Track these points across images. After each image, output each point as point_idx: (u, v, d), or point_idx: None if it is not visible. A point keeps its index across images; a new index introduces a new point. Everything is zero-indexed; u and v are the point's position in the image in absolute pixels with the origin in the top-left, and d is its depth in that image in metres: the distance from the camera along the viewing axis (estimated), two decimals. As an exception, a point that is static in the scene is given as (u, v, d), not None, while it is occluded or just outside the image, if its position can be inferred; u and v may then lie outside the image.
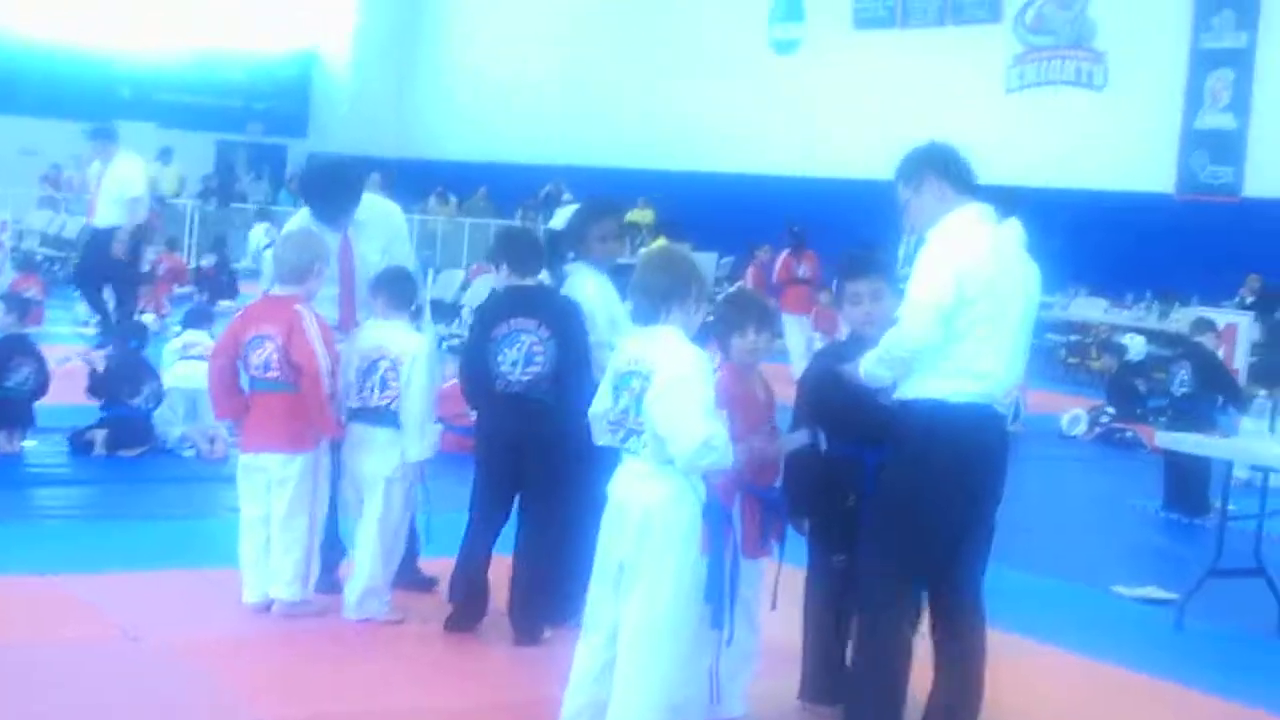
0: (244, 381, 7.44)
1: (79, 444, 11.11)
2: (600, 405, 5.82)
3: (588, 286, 7.41)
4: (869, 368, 5.88)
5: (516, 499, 7.27)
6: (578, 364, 7.05)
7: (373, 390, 7.31)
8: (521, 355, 7.05)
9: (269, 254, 22.60)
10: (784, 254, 19.78)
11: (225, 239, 26.36)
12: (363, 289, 7.67)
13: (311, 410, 7.25)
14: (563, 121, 33.25)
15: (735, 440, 5.66)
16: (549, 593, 7.14)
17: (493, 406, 7.22)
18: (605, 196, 8.61)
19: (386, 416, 7.28)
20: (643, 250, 8.74)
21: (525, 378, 7.06)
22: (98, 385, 11.32)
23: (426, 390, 7.30)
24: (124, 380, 11.32)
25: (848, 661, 6.21)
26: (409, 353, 7.30)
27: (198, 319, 12.45)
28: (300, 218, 7.90)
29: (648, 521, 5.54)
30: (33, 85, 34.83)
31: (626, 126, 31.71)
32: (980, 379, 5.76)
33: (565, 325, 7.10)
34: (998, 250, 5.89)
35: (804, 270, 19.37)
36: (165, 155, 32.62)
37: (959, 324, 5.70)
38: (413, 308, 7.48)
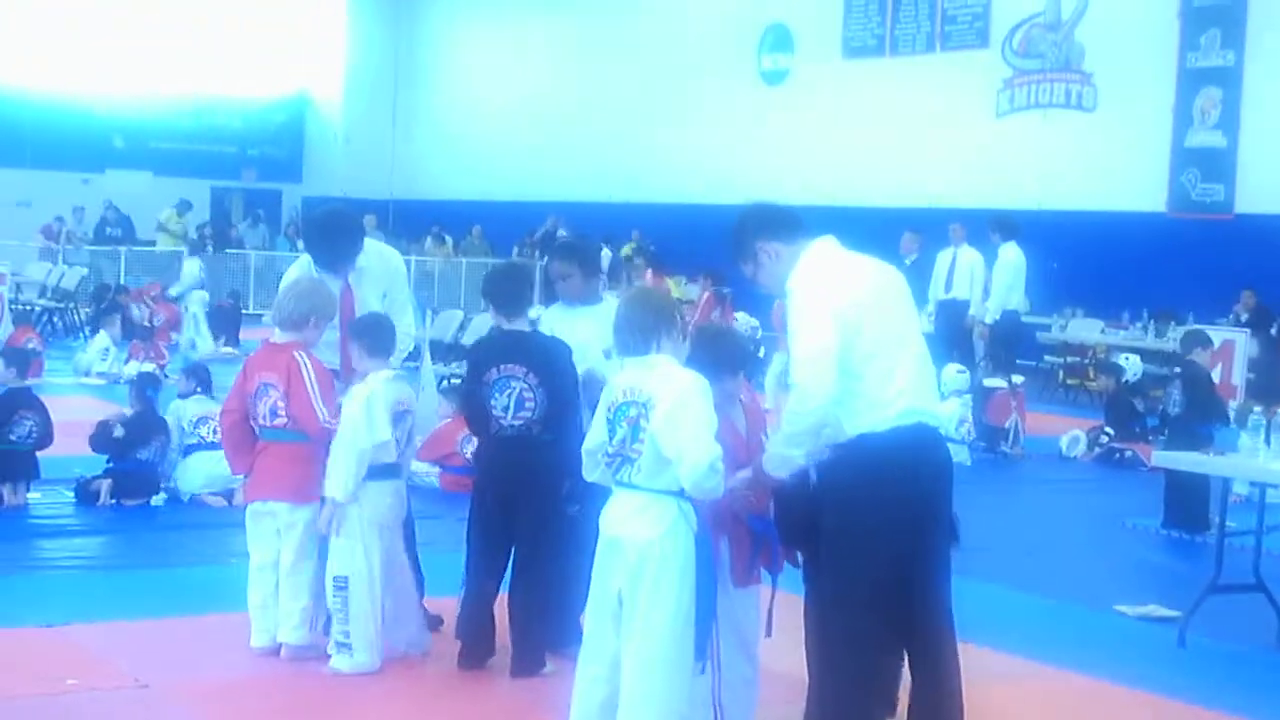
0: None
1: (84, 494, 11.15)
2: (595, 439, 5.86)
3: (555, 326, 7.62)
4: (777, 451, 5.81)
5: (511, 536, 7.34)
6: (566, 405, 7.18)
7: None
8: (512, 401, 7.18)
9: (197, 294, 22.32)
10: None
11: (225, 289, 26.45)
12: None
13: (324, 459, 7.30)
14: (556, 158, 33.35)
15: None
16: (546, 625, 7.23)
17: (488, 451, 7.36)
18: (564, 239, 8.80)
19: None
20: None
21: (517, 422, 7.19)
22: (111, 443, 11.34)
23: (341, 435, 7.21)
24: (137, 435, 11.37)
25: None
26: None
27: (199, 377, 12.36)
28: (301, 264, 7.97)
29: (646, 554, 5.59)
30: (27, 137, 34.98)
31: (619, 161, 31.81)
32: (895, 401, 5.73)
33: (552, 369, 7.21)
34: (862, 272, 5.89)
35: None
36: (184, 207, 32.78)
37: (854, 363, 5.68)
38: (391, 356, 7.50)
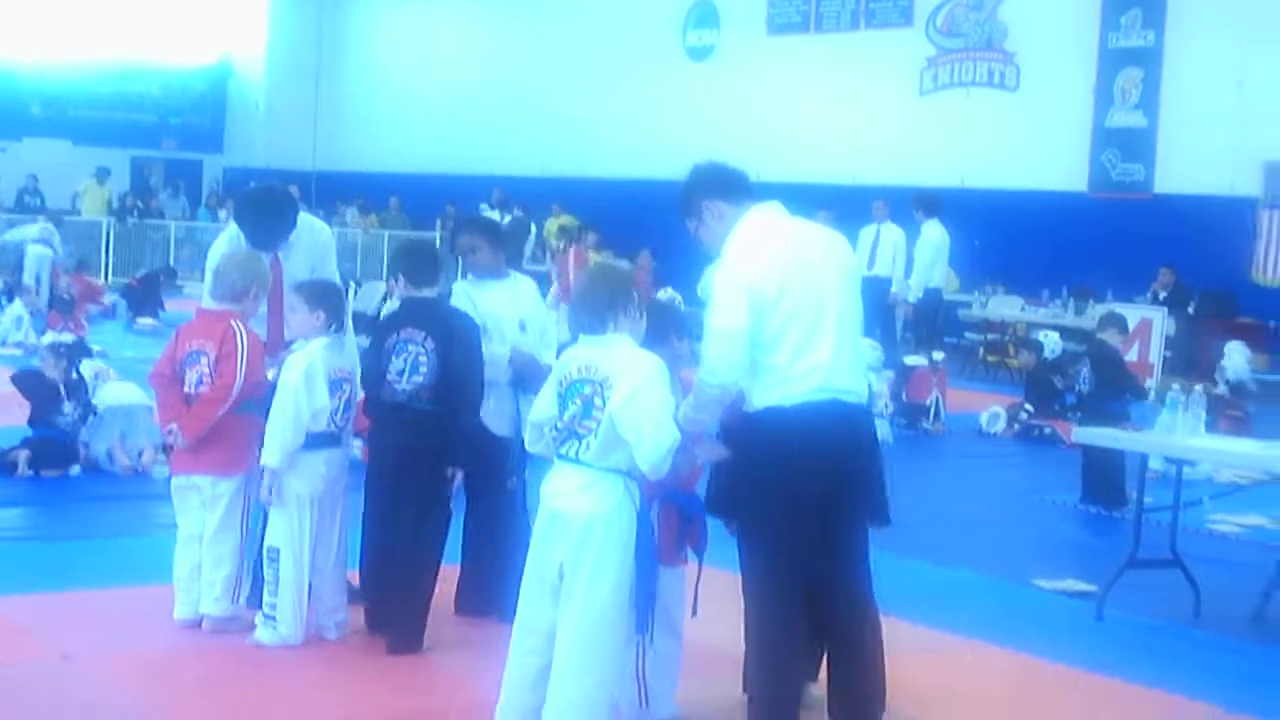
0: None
1: (1, 465, 11.06)
2: (543, 412, 5.87)
3: (461, 299, 7.67)
4: (686, 414, 5.86)
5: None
6: (461, 374, 7.20)
7: None
8: (407, 365, 7.20)
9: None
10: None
11: (144, 260, 26.12)
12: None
13: (189, 414, 7.29)
14: (481, 131, 33.22)
15: None
16: (424, 603, 7.28)
17: (381, 415, 7.35)
18: (471, 213, 8.88)
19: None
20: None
21: (409, 387, 7.20)
22: (40, 385, 11.30)
23: (279, 402, 7.17)
24: (59, 392, 11.30)
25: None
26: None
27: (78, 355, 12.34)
28: (230, 236, 7.93)
29: (591, 529, 5.62)
30: (-58, 104, 34.52)
31: (542, 135, 31.73)
32: (809, 376, 5.76)
33: (450, 337, 7.23)
34: (789, 246, 5.91)
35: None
36: (102, 174, 32.37)
37: (767, 335, 5.73)
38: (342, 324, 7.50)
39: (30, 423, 11.33)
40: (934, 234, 18.70)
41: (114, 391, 11.51)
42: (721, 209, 6.01)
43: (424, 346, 7.19)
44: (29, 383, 11.54)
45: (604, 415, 5.62)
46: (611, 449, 5.61)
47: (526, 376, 7.53)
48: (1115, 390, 12.13)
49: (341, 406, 7.31)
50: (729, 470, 6.10)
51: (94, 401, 11.46)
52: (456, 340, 7.23)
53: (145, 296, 23.24)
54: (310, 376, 7.15)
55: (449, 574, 7.60)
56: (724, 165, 6.21)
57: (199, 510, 7.40)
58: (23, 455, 11.05)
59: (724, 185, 6.08)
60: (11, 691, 6.54)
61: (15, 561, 8.83)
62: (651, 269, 20.86)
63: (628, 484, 5.65)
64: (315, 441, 7.20)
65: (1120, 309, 15.75)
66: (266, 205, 7.93)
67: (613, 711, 5.92)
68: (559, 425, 5.77)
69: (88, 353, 12.46)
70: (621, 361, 5.67)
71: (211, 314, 7.48)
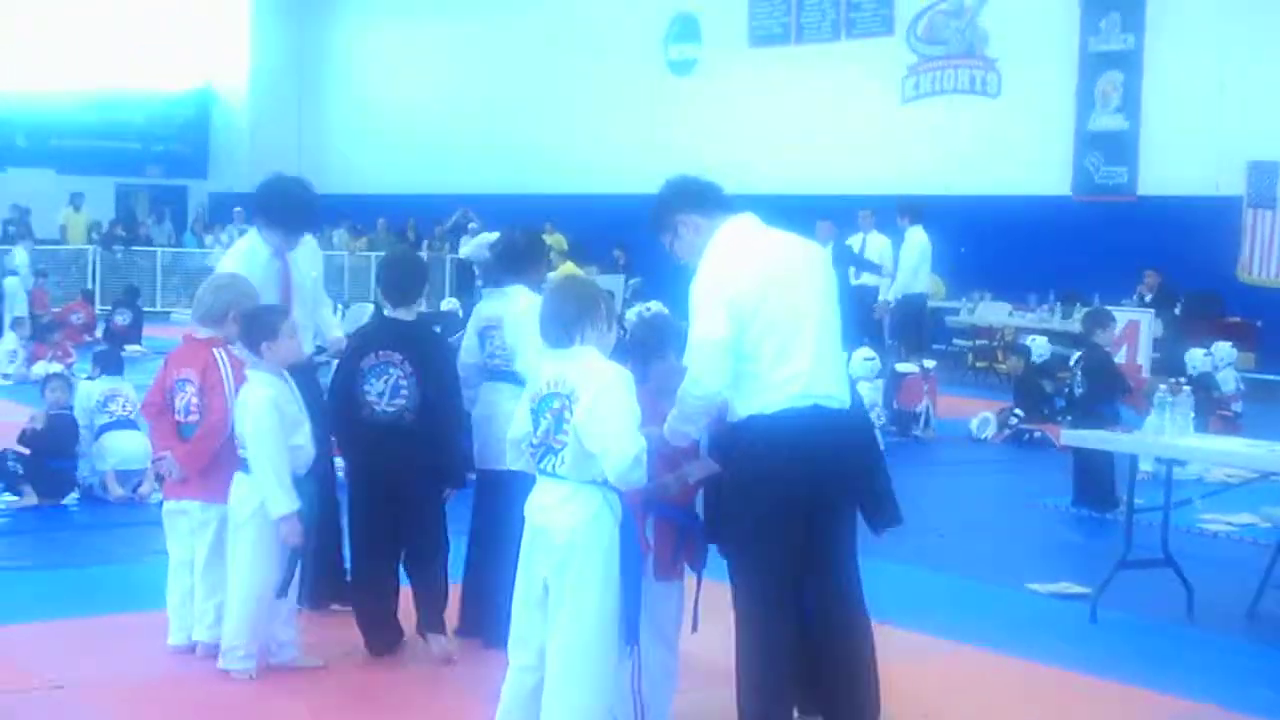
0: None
1: (9, 481, 11.08)
2: (518, 430, 5.87)
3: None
4: (672, 426, 5.87)
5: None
6: (441, 395, 7.22)
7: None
8: (388, 387, 7.21)
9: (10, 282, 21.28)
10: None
11: (138, 291, 26.01)
12: (302, 314, 7.75)
13: (187, 451, 7.26)
14: (465, 150, 33.26)
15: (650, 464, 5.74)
16: (441, 609, 7.37)
17: (358, 437, 7.34)
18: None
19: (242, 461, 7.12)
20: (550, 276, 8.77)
21: (391, 409, 7.21)
22: (33, 442, 11.24)
23: (261, 437, 6.92)
24: (59, 439, 11.27)
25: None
26: (244, 399, 7.10)
27: (110, 364, 12.34)
28: (250, 238, 7.99)
29: (571, 542, 5.61)
30: (-73, 134, 34.49)
31: (527, 152, 31.76)
32: (789, 384, 5.76)
33: (428, 360, 7.26)
34: (766, 256, 5.91)
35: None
36: (77, 200, 32.35)
37: (747, 343, 5.73)
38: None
39: (38, 455, 11.26)
40: (917, 239, 18.71)
41: (112, 446, 11.42)
42: (696, 222, 6.01)
43: (402, 369, 7.20)
44: (57, 431, 11.42)
45: (572, 428, 5.62)
46: (585, 460, 5.60)
47: None
48: (1107, 393, 12.15)
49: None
50: (719, 490, 6.09)
51: (92, 440, 11.43)
52: (434, 364, 7.26)
53: (128, 331, 23.02)
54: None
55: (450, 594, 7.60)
56: (696, 178, 6.20)
57: (189, 536, 7.38)
58: (30, 496, 11.04)
59: (697, 198, 6.07)
60: (4, 721, 6.53)
61: (6, 590, 8.80)
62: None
63: (606, 495, 5.64)
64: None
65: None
66: (291, 192, 8.06)
67: (605, 728, 5.91)
68: (534, 441, 5.76)
69: (71, 389, 12.36)
70: (586, 374, 5.66)
71: (195, 341, 7.46)
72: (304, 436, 7.04)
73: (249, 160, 38.01)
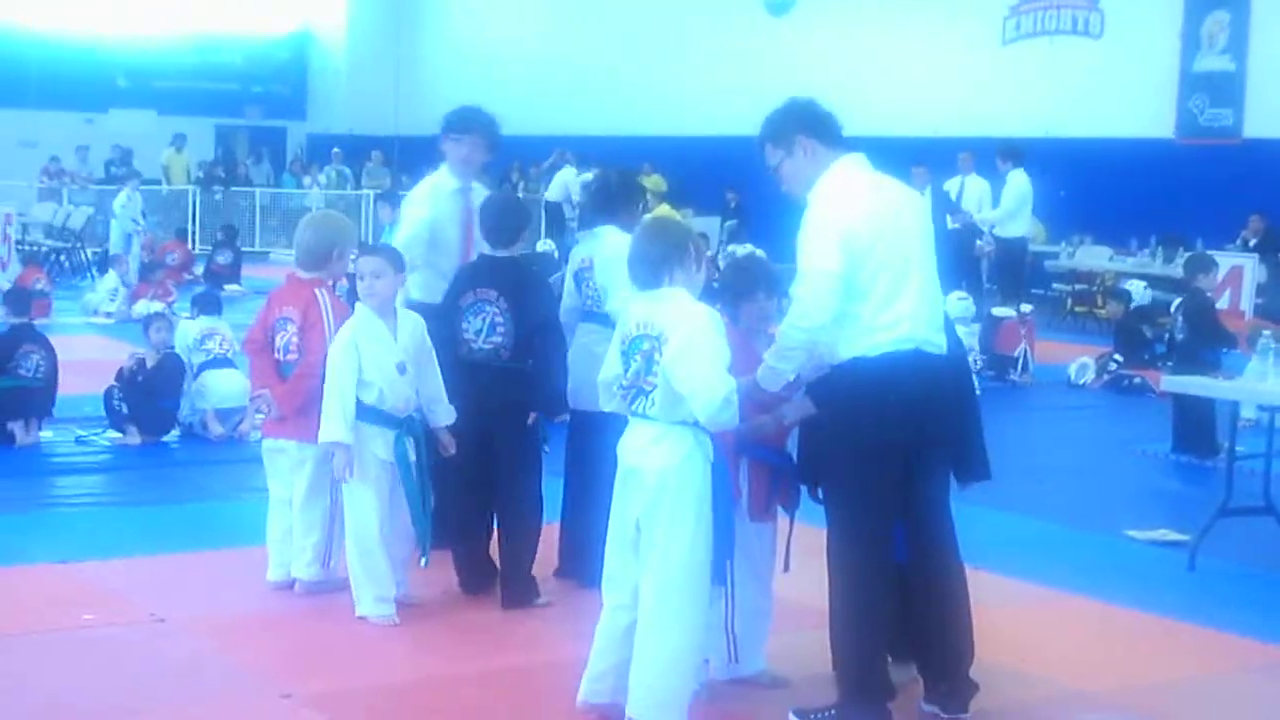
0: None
1: (116, 419, 11.24)
2: (610, 371, 5.87)
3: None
4: (770, 363, 5.83)
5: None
6: (537, 333, 7.24)
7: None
8: (485, 325, 7.25)
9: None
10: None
11: (237, 230, 26.25)
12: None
13: (286, 389, 7.33)
14: (559, 91, 33.19)
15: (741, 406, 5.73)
16: (531, 554, 7.39)
17: (457, 374, 7.35)
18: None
19: None
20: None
21: (487, 346, 7.25)
22: (136, 385, 11.38)
23: (328, 367, 7.07)
24: (167, 379, 11.42)
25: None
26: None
27: (208, 304, 12.51)
28: (437, 175, 8.13)
29: (663, 483, 5.61)
30: (31, 77, 34.77)
31: (623, 94, 31.67)
32: (894, 326, 5.70)
33: (524, 298, 7.26)
34: (880, 197, 5.86)
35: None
36: (179, 141, 32.63)
37: (859, 284, 5.67)
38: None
39: (145, 395, 11.41)
40: (1017, 182, 18.50)
41: (213, 385, 11.54)
42: (815, 148, 5.92)
43: (498, 306, 7.23)
44: (166, 371, 11.55)
45: (661, 370, 5.61)
46: (675, 402, 5.59)
47: None
48: (1209, 339, 11.99)
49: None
50: (815, 434, 6.06)
51: (192, 379, 11.57)
52: (529, 302, 7.27)
53: (228, 271, 23.24)
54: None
55: (549, 535, 7.65)
56: (822, 105, 6.11)
57: (288, 474, 7.46)
58: (134, 435, 11.18)
59: (821, 124, 5.99)
60: (105, 652, 6.64)
61: (109, 525, 8.96)
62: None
63: (698, 436, 5.62)
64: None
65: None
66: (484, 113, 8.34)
67: (701, 666, 5.94)
68: (624, 383, 5.76)
69: (171, 329, 12.50)
70: (675, 315, 5.64)
71: (299, 281, 7.52)
72: (379, 375, 7.03)
73: (346, 102, 38.25)
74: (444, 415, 7.24)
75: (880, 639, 5.87)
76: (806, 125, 5.96)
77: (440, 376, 7.21)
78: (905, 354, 5.72)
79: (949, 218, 18.67)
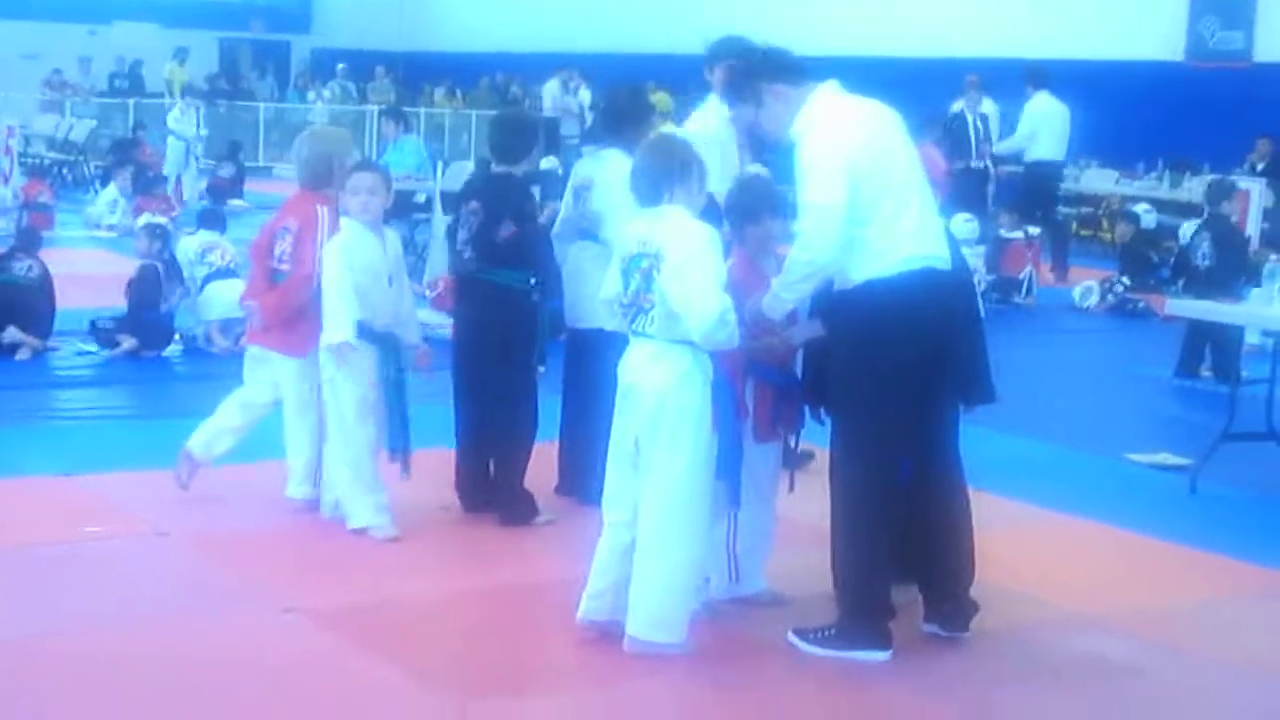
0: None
1: (102, 339, 11.19)
2: (610, 290, 5.86)
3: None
4: (777, 291, 5.81)
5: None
6: (510, 246, 7.20)
7: None
8: (471, 236, 7.29)
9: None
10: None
11: (240, 145, 26.12)
12: None
13: (272, 296, 7.34)
14: (567, 7, 32.96)
15: (744, 328, 5.71)
16: (521, 471, 7.39)
17: (458, 288, 7.51)
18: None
19: None
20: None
21: (470, 258, 7.32)
22: (142, 290, 11.39)
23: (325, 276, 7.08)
24: (146, 290, 11.38)
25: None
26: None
27: (210, 220, 12.47)
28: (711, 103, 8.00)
29: (661, 402, 5.61)
30: (33, -11, 34.57)
31: (632, 7, 31.43)
32: (901, 246, 5.68)
33: (501, 208, 7.23)
34: (869, 121, 5.83)
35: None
36: (181, 54, 32.43)
37: (863, 209, 5.64)
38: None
39: (132, 307, 11.39)
40: (1039, 105, 18.28)
41: (214, 295, 11.53)
42: (784, 91, 5.89)
43: (480, 219, 7.26)
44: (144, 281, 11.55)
45: (658, 288, 5.59)
46: (674, 320, 5.58)
47: None
48: (1236, 265, 11.91)
49: None
50: (822, 353, 6.05)
51: (197, 293, 11.56)
52: (508, 213, 7.24)
53: (231, 185, 23.13)
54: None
55: (548, 452, 7.65)
56: (777, 48, 6.13)
57: (268, 384, 7.47)
58: (129, 341, 11.16)
59: (784, 67, 5.98)
60: (108, 564, 6.67)
61: (112, 440, 8.97)
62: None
63: (696, 355, 5.62)
64: None
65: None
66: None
67: (701, 584, 5.95)
68: (624, 301, 5.74)
69: (168, 237, 12.49)
70: (673, 233, 5.62)
71: (308, 194, 7.49)
72: (371, 286, 7.02)
73: (351, 16, 37.95)
74: (414, 333, 7.33)
75: (882, 559, 5.88)
76: (771, 72, 5.96)
77: (412, 295, 7.41)
78: (916, 273, 5.70)
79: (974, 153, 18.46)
